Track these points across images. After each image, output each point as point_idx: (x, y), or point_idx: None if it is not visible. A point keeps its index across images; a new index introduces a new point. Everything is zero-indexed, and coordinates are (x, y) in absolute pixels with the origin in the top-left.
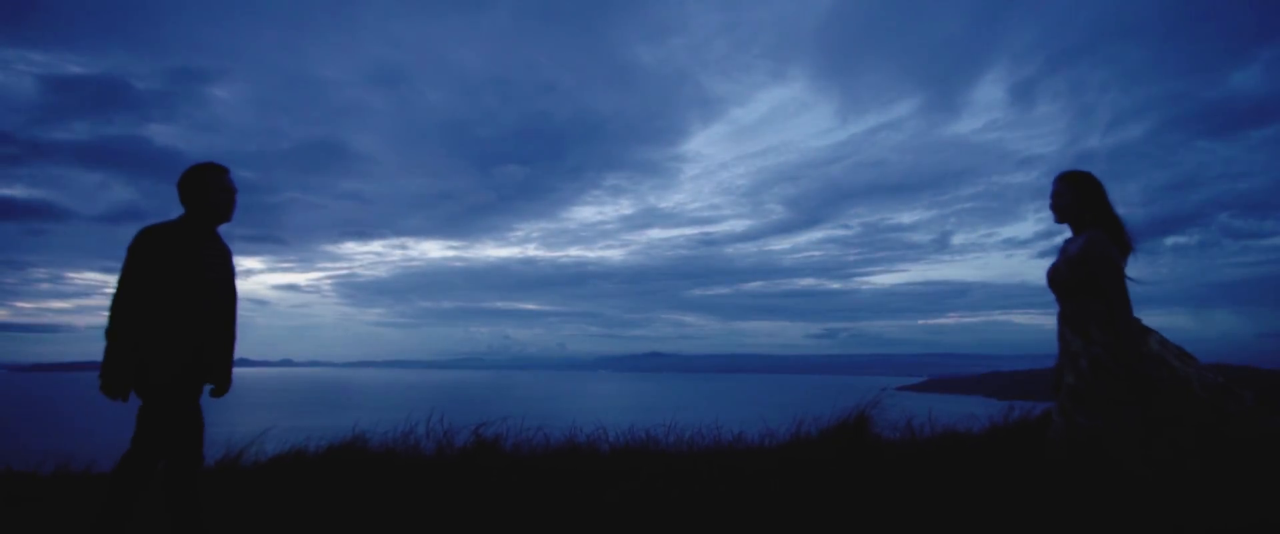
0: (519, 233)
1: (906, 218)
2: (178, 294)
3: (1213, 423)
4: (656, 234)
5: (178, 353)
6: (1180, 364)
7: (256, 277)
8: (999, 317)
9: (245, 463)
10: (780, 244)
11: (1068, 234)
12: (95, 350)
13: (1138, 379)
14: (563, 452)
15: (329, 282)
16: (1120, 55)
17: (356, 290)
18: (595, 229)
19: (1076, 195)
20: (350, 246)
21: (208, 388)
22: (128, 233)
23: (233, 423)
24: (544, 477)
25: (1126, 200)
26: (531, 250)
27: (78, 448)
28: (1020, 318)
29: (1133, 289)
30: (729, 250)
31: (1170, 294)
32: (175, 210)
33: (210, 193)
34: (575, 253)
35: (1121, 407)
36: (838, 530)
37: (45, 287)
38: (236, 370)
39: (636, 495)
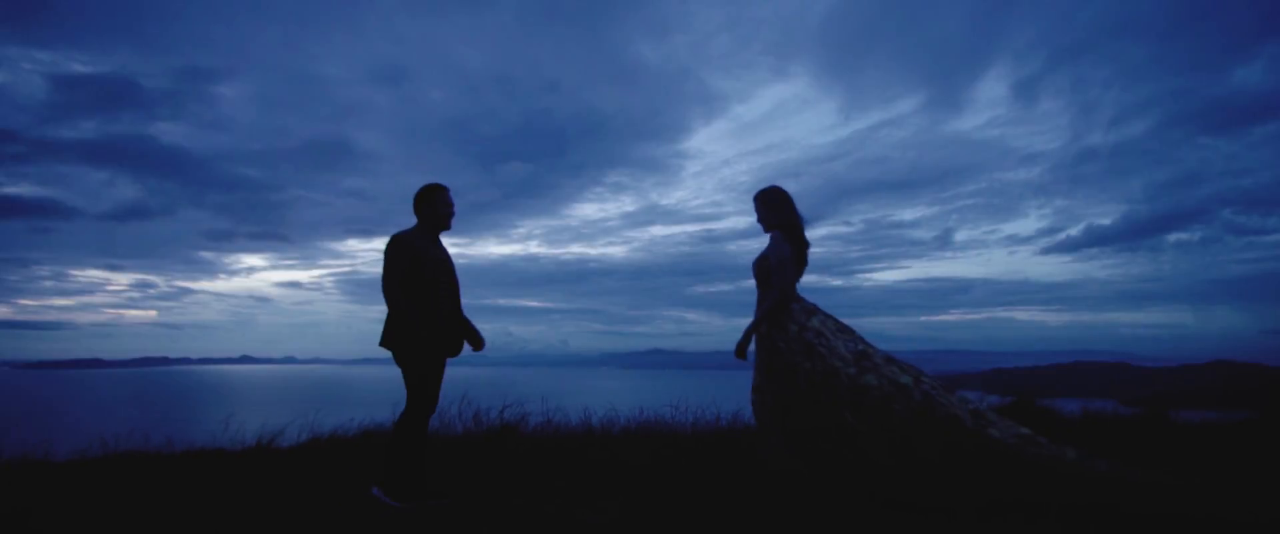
0: (521, 230)
1: (909, 215)
2: (419, 285)
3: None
4: (659, 231)
5: (424, 332)
6: (840, 341)
7: (259, 274)
8: (1001, 313)
9: (282, 445)
10: None
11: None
12: (97, 348)
13: (778, 355)
14: (579, 433)
15: (331, 279)
16: (1122, 52)
17: (359, 287)
18: (597, 226)
19: (765, 208)
20: (353, 244)
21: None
22: (132, 231)
23: (245, 419)
24: (564, 452)
25: (1129, 197)
26: (534, 247)
27: (87, 444)
28: (1022, 314)
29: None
30: (731, 247)
31: (1173, 290)
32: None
33: (436, 206)
34: (577, 250)
35: (770, 383)
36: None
37: (48, 284)
38: (240, 368)
39: (649, 457)
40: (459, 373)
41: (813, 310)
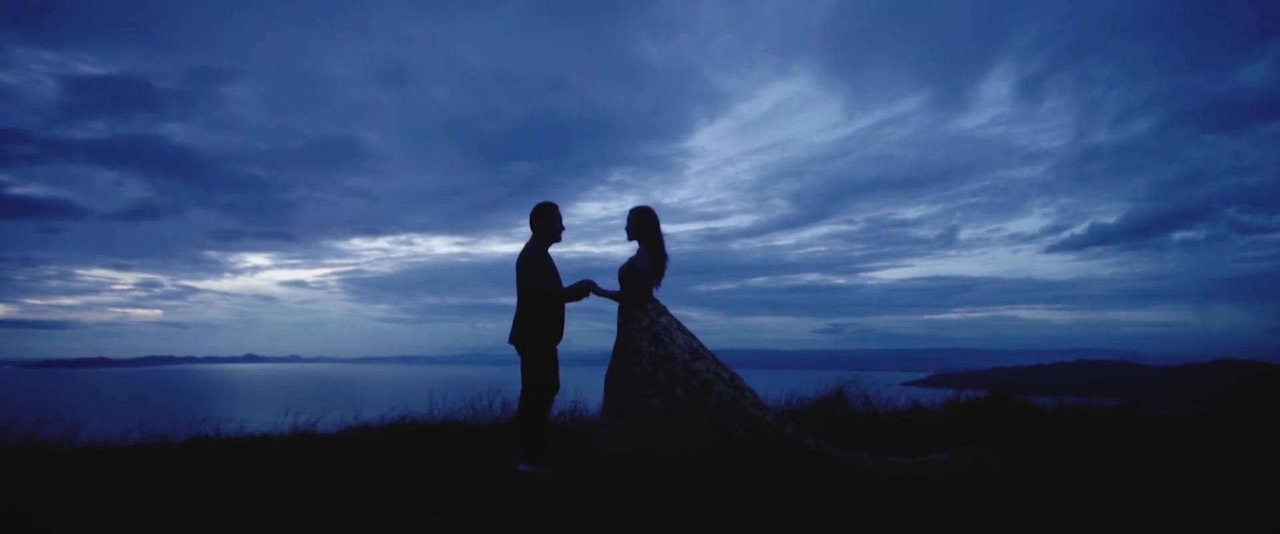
0: (524, 229)
1: (912, 213)
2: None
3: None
4: (661, 229)
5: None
6: (679, 337)
7: (264, 273)
8: (1005, 312)
9: (320, 432)
10: (785, 239)
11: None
12: (103, 347)
13: (631, 340)
14: (595, 422)
15: (335, 278)
16: (1127, 50)
17: (363, 286)
18: (600, 225)
19: (635, 223)
20: (357, 243)
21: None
22: (141, 230)
23: (258, 416)
24: (582, 436)
25: (1133, 195)
26: None
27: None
28: (1026, 313)
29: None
30: (734, 246)
31: (1178, 288)
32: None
33: (551, 223)
34: (580, 249)
35: (623, 366)
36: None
37: (54, 283)
38: (245, 367)
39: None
40: (463, 371)
41: (662, 311)
